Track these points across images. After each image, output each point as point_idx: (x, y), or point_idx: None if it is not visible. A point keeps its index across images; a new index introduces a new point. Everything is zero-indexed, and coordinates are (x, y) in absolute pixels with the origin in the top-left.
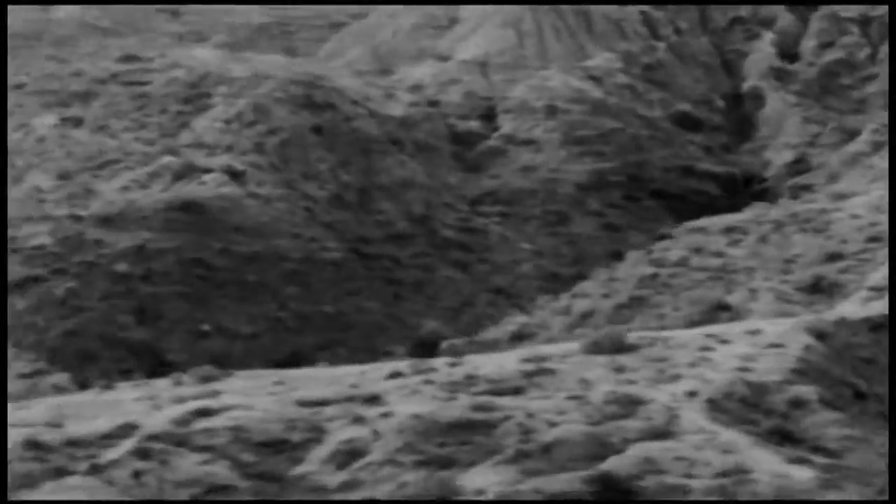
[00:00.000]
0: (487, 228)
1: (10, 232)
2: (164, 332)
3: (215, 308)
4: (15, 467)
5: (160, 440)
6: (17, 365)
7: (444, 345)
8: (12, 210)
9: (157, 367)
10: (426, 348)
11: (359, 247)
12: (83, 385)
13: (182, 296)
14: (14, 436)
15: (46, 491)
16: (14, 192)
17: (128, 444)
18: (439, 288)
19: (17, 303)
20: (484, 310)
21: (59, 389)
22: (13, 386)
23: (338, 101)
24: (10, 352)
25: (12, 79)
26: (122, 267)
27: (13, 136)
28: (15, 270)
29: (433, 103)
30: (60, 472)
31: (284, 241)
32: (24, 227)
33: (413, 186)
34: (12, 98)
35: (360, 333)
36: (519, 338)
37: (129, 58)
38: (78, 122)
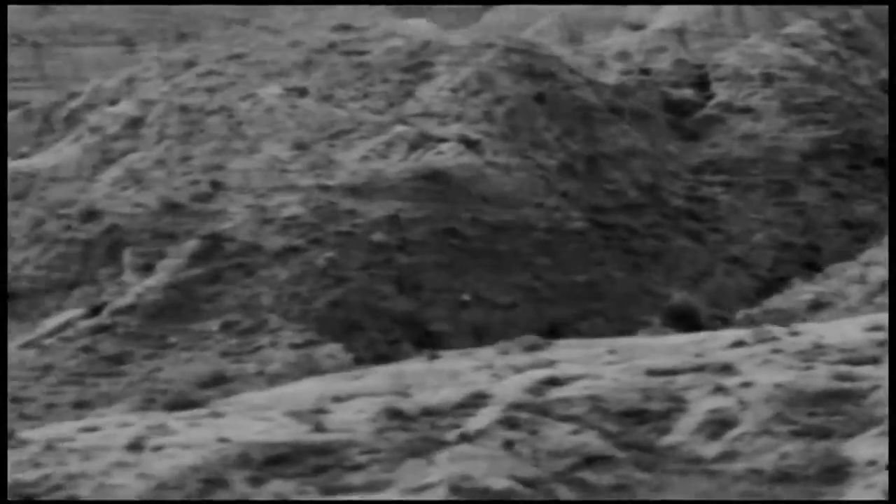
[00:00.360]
0: (716, 197)
1: (260, 202)
2: (425, 302)
3: (472, 278)
4: (394, 436)
5: (523, 409)
6: (286, 335)
7: (740, 315)
8: (256, 180)
9: (422, 337)
10: (680, 318)
11: (594, 216)
12: (357, 357)
13: (439, 266)
14: (370, 404)
15: (444, 458)
16: (253, 163)
17: (489, 414)
18: (676, 257)
19: (279, 273)
20: (723, 280)
21: (332, 359)
22: (286, 356)
23: (556, 70)
24: (277, 321)
25: (230, 49)
26: (378, 237)
27: (241, 106)
28: (273, 241)
29: (644, 71)
30: (436, 442)
31: (529, 210)
32: (274, 196)
33: (637, 155)
34: (232, 68)
35: (613, 303)
36: (816, 307)
37: (343, 27)
38: (302, 92)
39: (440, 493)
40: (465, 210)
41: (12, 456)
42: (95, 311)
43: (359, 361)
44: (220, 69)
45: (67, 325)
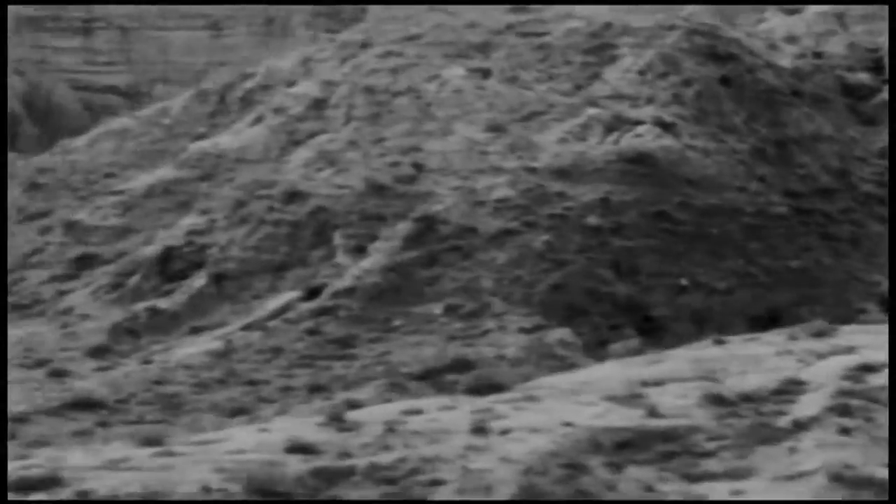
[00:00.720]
0: None
1: (467, 184)
2: (644, 287)
3: (687, 263)
4: (734, 423)
5: (851, 397)
6: (513, 319)
7: None
8: (456, 161)
9: (643, 323)
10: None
11: (791, 201)
12: (588, 342)
13: (653, 250)
14: (685, 389)
15: (809, 446)
16: (449, 144)
17: (815, 401)
18: (874, 244)
19: (497, 256)
20: None
21: (564, 344)
22: (518, 340)
23: (738, 52)
24: (500, 305)
25: (405, 30)
26: (592, 220)
27: (427, 87)
28: (487, 223)
29: (817, 55)
30: (773, 428)
31: (734, 194)
32: (479, 178)
33: (823, 140)
34: (411, 49)
35: (829, 289)
36: None
37: (520, 9)
38: (486, 74)
39: (818, 481)
40: (673, 193)
41: (350, 438)
42: (313, 293)
43: (587, 347)
44: (399, 50)
45: (287, 307)
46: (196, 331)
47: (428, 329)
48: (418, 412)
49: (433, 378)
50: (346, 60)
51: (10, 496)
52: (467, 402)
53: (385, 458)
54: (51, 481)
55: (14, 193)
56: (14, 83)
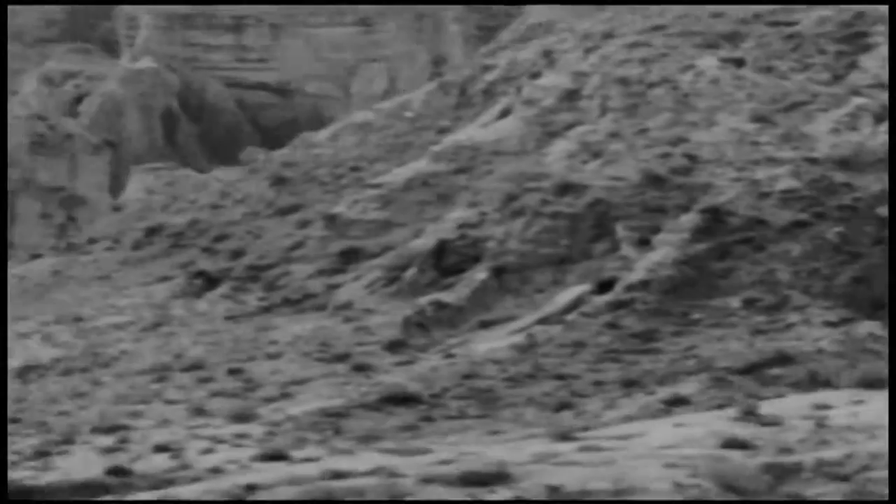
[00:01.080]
0: None
1: (746, 175)
2: None
3: None
4: None
5: None
6: (816, 312)
7: None
8: (729, 152)
9: None
10: None
11: None
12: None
13: None
14: None
15: None
16: (717, 135)
17: None
18: None
19: (791, 249)
20: None
21: (874, 338)
22: (827, 334)
23: None
24: (800, 298)
25: (648, 21)
26: (882, 211)
27: (682, 78)
28: (776, 215)
29: None
30: None
31: None
32: (756, 169)
33: None
34: (658, 39)
35: None
36: None
37: None
38: (739, 63)
39: None
40: None
41: (781, 433)
42: (605, 286)
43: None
44: (646, 40)
45: (580, 300)
46: (485, 325)
47: (729, 322)
48: (827, 407)
49: (756, 372)
50: (591, 51)
51: (463, 490)
52: (872, 396)
53: (829, 454)
54: (499, 477)
55: (260, 188)
56: (168, 80)
